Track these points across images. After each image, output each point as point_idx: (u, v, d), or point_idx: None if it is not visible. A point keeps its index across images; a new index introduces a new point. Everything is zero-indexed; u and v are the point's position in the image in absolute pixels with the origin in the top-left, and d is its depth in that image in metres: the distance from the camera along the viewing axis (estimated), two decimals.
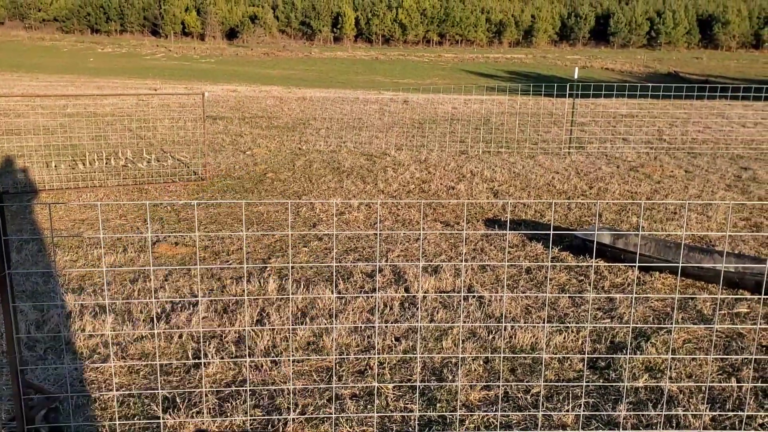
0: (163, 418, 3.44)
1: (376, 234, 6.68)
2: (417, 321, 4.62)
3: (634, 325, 4.61)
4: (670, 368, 4.00)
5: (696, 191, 8.76)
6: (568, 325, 4.58)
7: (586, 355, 4.15)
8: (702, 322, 4.67)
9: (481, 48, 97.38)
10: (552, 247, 6.28)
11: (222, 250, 6.19)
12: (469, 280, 5.44)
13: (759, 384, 3.86)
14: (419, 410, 3.55)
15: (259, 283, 5.28)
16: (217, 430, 3.39)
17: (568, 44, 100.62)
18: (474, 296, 5.08)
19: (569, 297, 5.10)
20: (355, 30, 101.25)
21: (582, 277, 5.55)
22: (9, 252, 2.96)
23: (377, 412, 3.51)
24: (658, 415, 3.51)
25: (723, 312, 4.88)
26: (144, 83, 30.07)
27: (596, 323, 4.64)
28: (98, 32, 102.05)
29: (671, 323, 4.61)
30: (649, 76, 60.99)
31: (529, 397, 3.70)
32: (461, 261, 5.93)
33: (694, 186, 9.05)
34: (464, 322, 4.63)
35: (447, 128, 13.82)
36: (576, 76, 12.20)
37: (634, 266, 5.59)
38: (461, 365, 4.01)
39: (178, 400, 3.62)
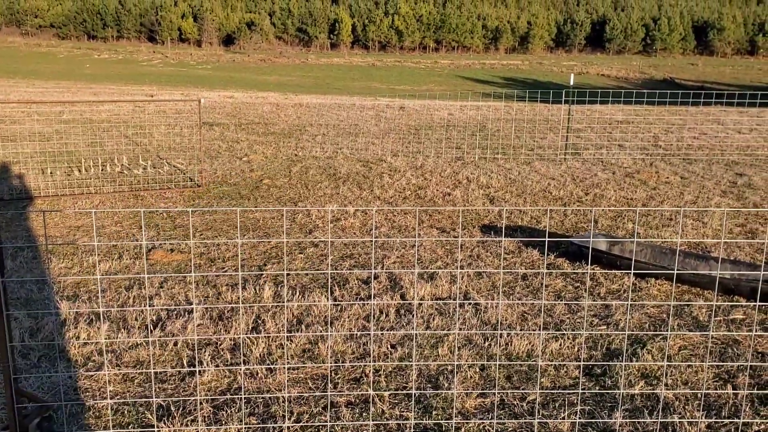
0: (158, 427, 3.42)
1: (372, 241, 6.67)
2: (413, 328, 4.62)
3: (630, 332, 4.61)
4: (666, 375, 4.00)
5: (691, 197, 8.79)
6: (564, 332, 4.58)
7: (582, 362, 4.15)
8: (698, 328, 4.68)
9: (477, 54, 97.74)
10: (548, 254, 6.28)
11: (217, 256, 6.18)
12: (465, 286, 5.44)
13: (755, 391, 3.86)
14: (415, 418, 3.54)
15: (255, 290, 5.27)
16: None
17: (564, 50, 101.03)
18: (470, 303, 5.07)
19: (565, 304, 5.10)
20: (351, 36, 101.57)
21: (578, 284, 5.55)
22: (3, 259, 2.94)
23: (372, 420, 3.50)
24: (654, 422, 3.51)
25: (719, 318, 4.88)
26: (140, 89, 30.09)
27: (592, 330, 4.64)
28: (95, 38, 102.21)
29: (667, 330, 4.61)
30: (645, 82, 61.28)
31: (525, 404, 3.70)
32: (457, 268, 5.93)
33: (689, 192, 9.07)
34: (460, 329, 4.62)
35: (443, 134, 13.84)
36: (572, 83, 12.24)
37: (630, 273, 5.60)
38: (457, 372, 4.01)
39: (172, 408, 3.61)
